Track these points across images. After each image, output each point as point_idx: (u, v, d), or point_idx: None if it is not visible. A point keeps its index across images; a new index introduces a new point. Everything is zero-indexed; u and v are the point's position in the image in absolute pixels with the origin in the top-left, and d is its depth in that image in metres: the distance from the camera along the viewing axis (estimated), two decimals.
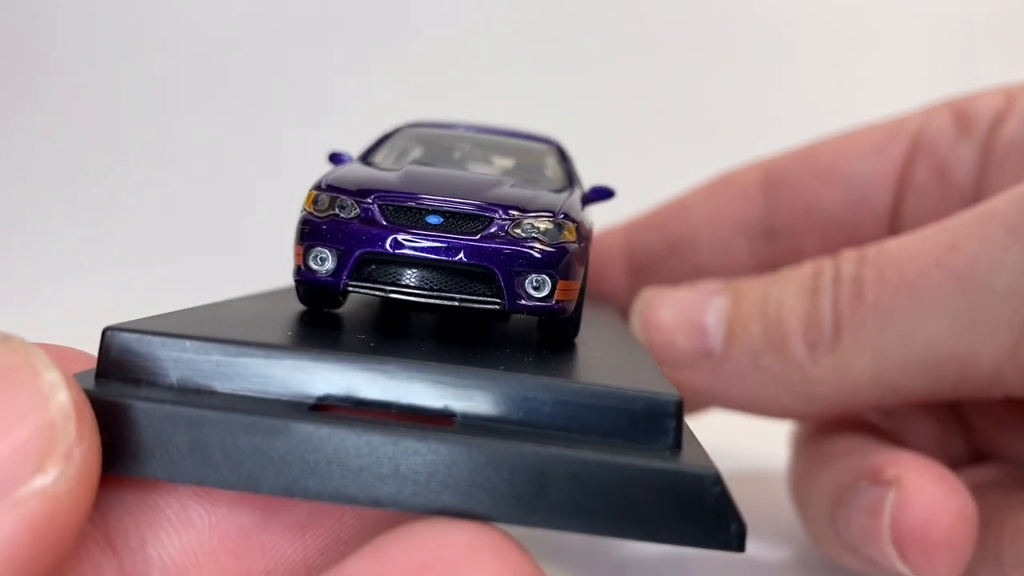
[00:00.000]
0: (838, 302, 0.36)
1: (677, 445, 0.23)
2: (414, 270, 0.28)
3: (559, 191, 0.33)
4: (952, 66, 0.93)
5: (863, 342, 0.35)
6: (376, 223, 0.28)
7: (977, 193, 0.42)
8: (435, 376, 0.23)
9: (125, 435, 0.21)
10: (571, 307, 0.29)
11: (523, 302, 0.28)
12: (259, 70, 1.07)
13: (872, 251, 0.36)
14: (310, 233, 0.28)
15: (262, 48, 1.07)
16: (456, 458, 0.21)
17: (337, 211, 0.29)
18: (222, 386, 0.23)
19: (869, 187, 0.46)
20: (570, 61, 1.03)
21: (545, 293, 0.28)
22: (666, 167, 0.70)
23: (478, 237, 0.28)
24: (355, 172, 0.31)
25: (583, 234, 0.30)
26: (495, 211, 0.28)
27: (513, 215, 0.29)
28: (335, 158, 0.35)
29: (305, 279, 0.29)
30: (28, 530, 0.18)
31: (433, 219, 0.28)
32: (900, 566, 0.34)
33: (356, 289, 0.28)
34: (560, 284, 0.28)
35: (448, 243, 0.28)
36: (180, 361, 0.23)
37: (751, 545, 0.22)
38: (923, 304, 0.33)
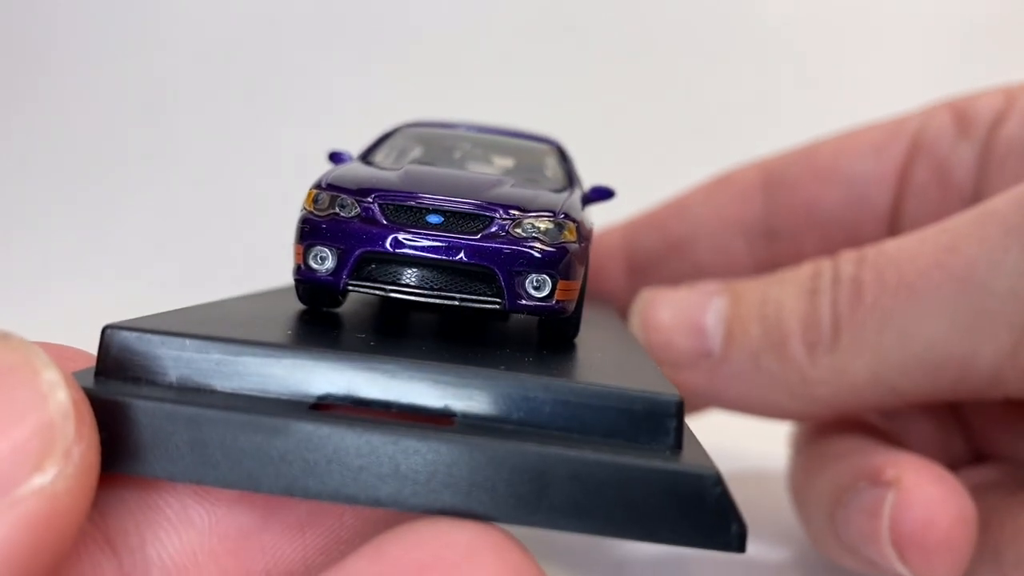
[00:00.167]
0: (837, 303, 0.36)
1: (678, 445, 0.23)
2: (414, 269, 0.28)
3: (559, 191, 0.33)
4: (952, 66, 0.93)
5: (862, 343, 0.35)
6: (376, 222, 0.28)
7: (977, 193, 0.42)
8: (435, 376, 0.23)
9: (124, 434, 0.21)
10: (571, 307, 0.29)
11: (523, 302, 0.28)
12: (259, 70, 1.06)
13: (871, 252, 0.36)
14: (310, 232, 0.28)
15: (262, 48, 1.07)
16: (456, 458, 0.21)
17: (337, 210, 0.29)
18: (222, 385, 0.23)
19: (869, 187, 0.46)
20: (570, 61, 1.03)
21: (545, 293, 0.28)
22: (666, 167, 0.70)
23: (478, 237, 0.28)
24: (355, 171, 0.31)
25: (583, 234, 0.30)
26: (495, 211, 0.28)
27: (513, 215, 0.29)
28: (335, 157, 0.35)
29: (305, 278, 0.29)
30: (27, 529, 0.18)
31: (433, 218, 0.28)
32: (899, 567, 0.34)
33: (356, 288, 0.28)
34: (560, 284, 0.28)
35: (448, 242, 0.28)
36: (180, 360, 0.23)
37: (751, 545, 0.22)
38: (923, 305, 0.33)
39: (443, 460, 0.21)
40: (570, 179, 0.37)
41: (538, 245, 0.28)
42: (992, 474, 0.42)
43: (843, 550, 0.38)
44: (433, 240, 0.28)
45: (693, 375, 0.40)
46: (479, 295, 0.28)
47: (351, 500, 0.21)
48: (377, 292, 0.28)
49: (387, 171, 0.32)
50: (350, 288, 0.28)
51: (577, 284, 0.29)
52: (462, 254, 0.27)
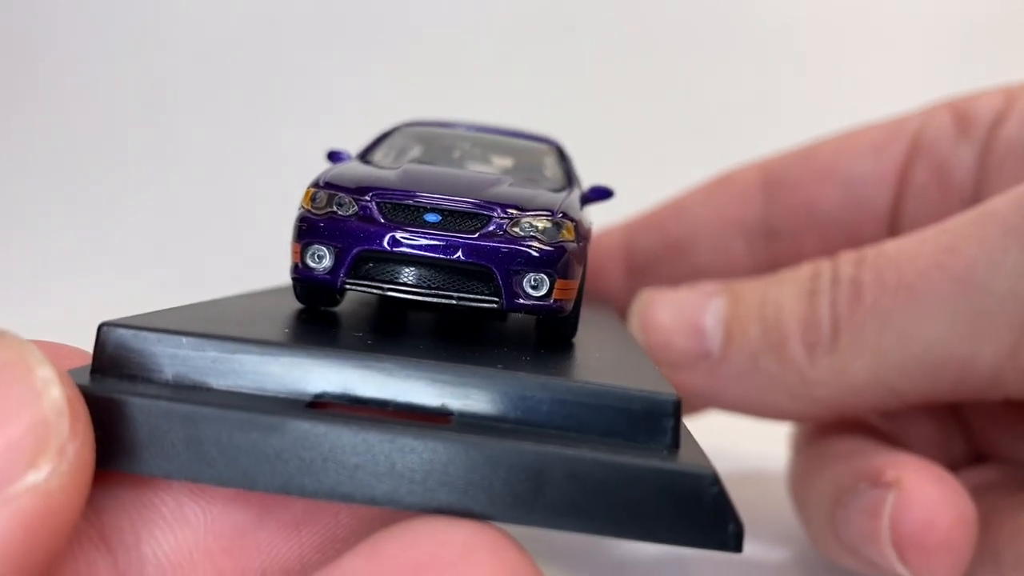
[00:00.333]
0: (836, 304, 0.36)
1: (675, 445, 0.23)
2: (412, 268, 0.28)
3: (558, 190, 0.33)
4: (952, 66, 0.93)
5: (862, 344, 0.35)
6: (374, 221, 0.28)
7: (977, 194, 0.42)
8: (432, 374, 0.23)
9: (120, 431, 0.21)
10: (569, 306, 0.29)
11: (521, 301, 0.28)
12: (259, 70, 1.07)
13: (871, 253, 0.36)
14: (308, 231, 0.28)
15: (262, 48, 1.07)
16: (453, 456, 0.21)
17: (335, 209, 0.28)
18: (218, 383, 0.23)
19: (869, 187, 0.46)
20: (570, 61, 1.03)
21: (543, 292, 0.28)
22: (666, 167, 0.70)
23: (476, 235, 0.28)
24: (353, 170, 0.31)
25: (582, 233, 0.30)
26: (493, 209, 0.28)
27: (512, 214, 0.28)
28: (333, 156, 0.35)
29: (302, 277, 0.29)
30: (21, 527, 0.18)
31: (431, 217, 0.28)
32: (899, 568, 0.34)
33: (354, 287, 0.28)
34: (558, 283, 0.28)
35: (446, 241, 0.27)
36: (176, 357, 0.23)
37: (750, 546, 0.22)
38: (922, 306, 0.33)
39: (440, 459, 0.21)
40: (569, 179, 0.36)
41: (536, 244, 0.28)
42: (992, 474, 0.42)
43: (843, 550, 0.38)
44: (431, 239, 0.27)
45: (692, 376, 0.40)
46: (477, 294, 0.28)
47: (347, 498, 0.21)
48: (375, 291, 0.28)
49: (385, 170, 0.32)
50: (347, 287, 0.28)
51: (575, 283, 0.29)
52: (460, 253, 0.27)
